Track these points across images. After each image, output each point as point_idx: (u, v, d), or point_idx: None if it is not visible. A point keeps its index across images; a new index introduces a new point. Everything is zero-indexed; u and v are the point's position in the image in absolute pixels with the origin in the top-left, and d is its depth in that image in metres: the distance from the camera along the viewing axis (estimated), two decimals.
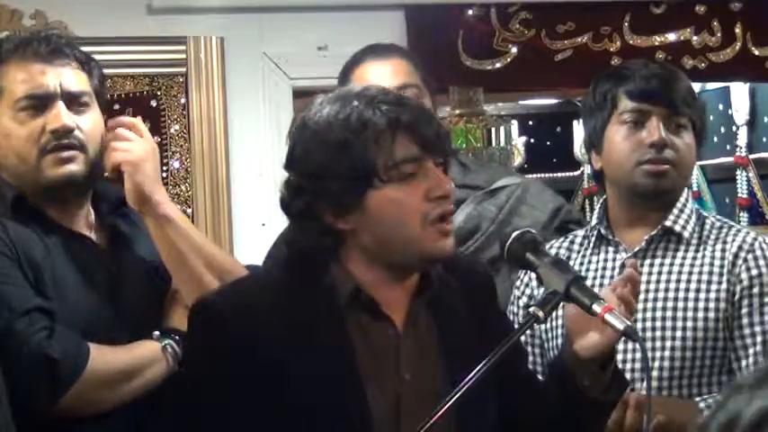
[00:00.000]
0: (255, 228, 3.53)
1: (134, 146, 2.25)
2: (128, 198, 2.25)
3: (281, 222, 2.87)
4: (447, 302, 1.95)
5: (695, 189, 5.53)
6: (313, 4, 3.65)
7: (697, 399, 2.30)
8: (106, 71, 3.39)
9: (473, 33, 3.67)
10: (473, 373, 1.75)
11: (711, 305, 2.32)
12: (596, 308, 1.85)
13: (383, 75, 2.68)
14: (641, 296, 2.34)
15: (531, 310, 1.86)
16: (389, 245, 1.85)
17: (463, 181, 2.72)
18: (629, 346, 2.32)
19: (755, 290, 2.32)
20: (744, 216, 5.03)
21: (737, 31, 3.82)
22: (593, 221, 2.49)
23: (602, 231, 2.45)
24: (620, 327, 1.84)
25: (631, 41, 3.79)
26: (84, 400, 2.11)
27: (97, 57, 3.44)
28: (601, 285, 2.36)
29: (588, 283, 2.40)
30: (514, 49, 3.72)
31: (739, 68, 3.86)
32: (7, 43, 2.25)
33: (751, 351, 2.29)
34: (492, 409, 1.95)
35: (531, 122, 6.31)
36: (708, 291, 2.33)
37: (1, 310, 2.06)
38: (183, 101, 3.53)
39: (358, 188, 1.82)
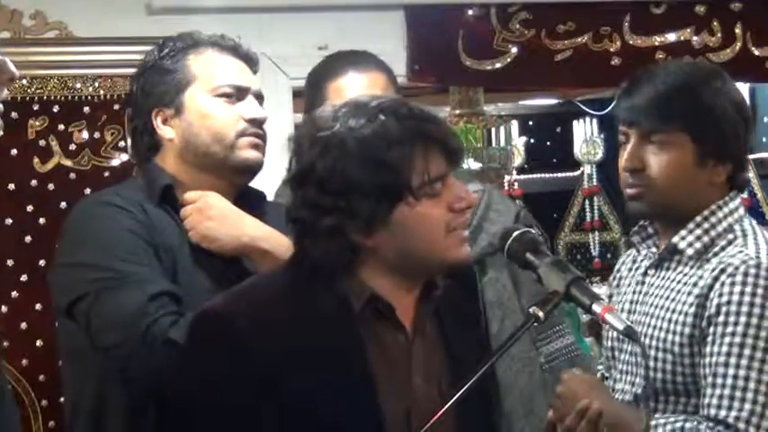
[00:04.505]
0: None
1: (188, 222, 2.29)
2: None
3: None
4: (446, 303, 1.95)
5: None
6: (313, 4, 3.66)
7: (657, 416, 2.21)
8: (106, 71, 3.45)
9: (473, 33, 3.67)
10: (472, 379, 1.76)
11: (678, 328, 2.20)
12: (596, 308, 1.86)
13: (366, 88, 2.65)
14: (636, 307, 2.32)
15: (531, 310, 1.86)
16: (413, 256, 1.85)
17: None
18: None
19: (720, 318, 2.13)
20: None
21: (737, 31, 3.82)
22: None
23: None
24: (620, 327, 1.85)
25: (631, 41, 3.79)
26: None
27: (97, 57, 3.48)
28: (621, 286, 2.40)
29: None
30: (514, 49, 3.72)
31: (739, 68, 3.85)
32: (199, 36, 2.39)
33: (705, 382, 2.14)
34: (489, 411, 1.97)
35: (531, 122, 6.31)
36: (680, 312, 2.21)
37: (134, 292, 2.15)
38: None
39: (389, 205, 1.80)
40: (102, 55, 3.43)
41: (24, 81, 3.40)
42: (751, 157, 4.97)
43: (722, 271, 2.16)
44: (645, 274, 2.33)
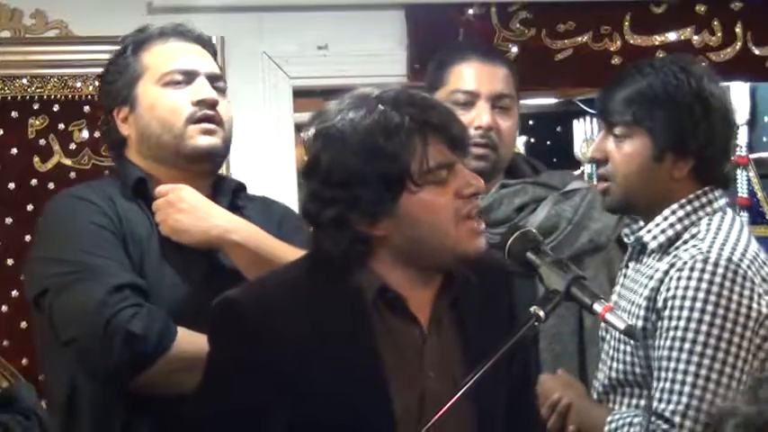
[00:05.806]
0: None
1: (158, 215, 2.28)
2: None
3: None
4: (468, 300, 1.96)
5: None
6: (313, 4, 3.65)
7: (615, 409, 2.27)
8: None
9: (473, 33, 3.67)
10: (475, 374, 1.76)
11: (633, 321, 2.23)
12: (597, 307, 1.86)
13: (486, 79, 2.68)
14: (618, 300, 2.35)
15: (532, 309, 1.86)
16: (424, 246, 1.85)
17: (540, 180, 2.79)
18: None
19: (666, 312, 2.17)
20: (744, 216, 5.02)
21: (738, 30, 3.82)
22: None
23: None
24: (621, 326, 1.85)
25: (631, 41, 3.79)
26: (165, 379, 2.13)
27: (97, 57, 3.47)
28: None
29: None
30: (514, 49, 3.71)
31: (739, 68, 3.86)
32: (150, 30, 2.39)
33: (655, 375, 2.18)
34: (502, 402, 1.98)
35: (531, 122, 6.30)
36: (636, 305, 2.25)
37: (96, 284, 2.13)
38: None
39: (392, 194, 1.81)
40: (102, 54, 3.39)
41: (24, 80, 3.40)
42: (751, 156, 4.99)
43: (672, 265, 2.19)
44: (626, 266, 2.38)
